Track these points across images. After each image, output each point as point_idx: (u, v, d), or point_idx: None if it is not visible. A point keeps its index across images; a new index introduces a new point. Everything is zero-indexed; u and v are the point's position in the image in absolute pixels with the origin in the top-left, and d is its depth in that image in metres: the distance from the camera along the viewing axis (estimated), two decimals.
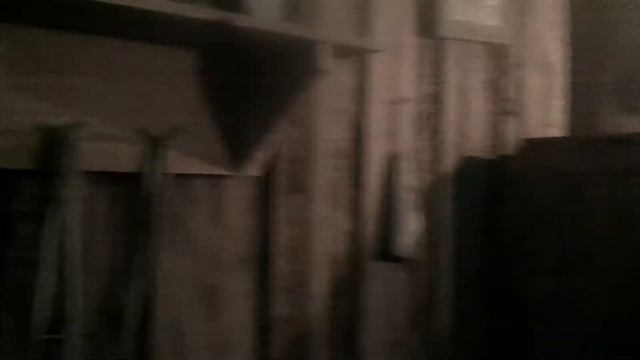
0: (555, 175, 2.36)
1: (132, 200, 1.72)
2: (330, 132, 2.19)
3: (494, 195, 2.56)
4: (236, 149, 1.96)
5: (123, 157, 1.71)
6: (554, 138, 2.60)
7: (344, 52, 1.96)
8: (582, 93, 2.81)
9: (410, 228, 2.33)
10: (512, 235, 2.46)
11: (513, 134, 2.63)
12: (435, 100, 2.44)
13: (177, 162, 1.80)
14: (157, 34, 1.71)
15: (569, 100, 2.85)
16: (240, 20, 1.67)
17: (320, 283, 2.16)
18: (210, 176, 1.90)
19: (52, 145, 1.58)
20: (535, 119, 2.71)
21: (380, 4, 2.31)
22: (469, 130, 2.52)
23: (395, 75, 2.31)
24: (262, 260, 2.04)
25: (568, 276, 2.26)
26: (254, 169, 2.00)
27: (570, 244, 2.29)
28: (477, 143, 2.54)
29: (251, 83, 1.95)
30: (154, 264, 1.72)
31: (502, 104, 2.63)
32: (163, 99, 1.81)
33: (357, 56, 2.19)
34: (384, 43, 2.28)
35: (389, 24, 2.32)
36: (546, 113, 2.76)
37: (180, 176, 1.84)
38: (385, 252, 2.30)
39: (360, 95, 2.25)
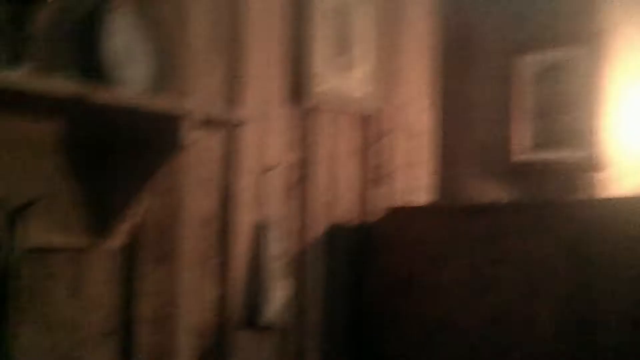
0: (419, 242, 2.47)
1: None
2: (197, 201, 2.22)
3: (362, 261, 2.62)
4: (98, 220, 1.98)
5: None
6: (417, 207, 2.73)
7: (211, 123, 2.06)
8: (449, 159, 2.93)
9: (278, 296, 2.40)
10: (378, 300, 2.55)
11: (381, 200, 2.69)
12: (304, 168, 2.49)
13: (36, 234, 1.81)
14: (16, 107, 1.73)
15: (436, 166, 2.94)
16: (101, 94, 1.72)
17: (185, 354, 2.18)
18: (71, 249, 1.92)
19: None
20: (403, 185, 2.80)
21: (251, 75, 2.36)
22: (338, 197, 2.58)
23: (265, 144, 2.36)
24: (125, 333, 2.06)
25: (429, 339, 2.36)
26: (116, 240, 2.02)
27: (432, 309, 2.40)
28: (346, 210, 2.60)
29: (115, 154, 1.99)
30: (12, 340, 1.72)
31: (371, 171, 2.71)
32: (22, 170, 1.83)
33: (225, 127, 2.27)
34: (253, 113, 2.32)
35: (259, 93, 2.37)
36: (414, 179, 2.85)
37: (39, 249, 1.85)
38: (253, 321, 2.34)
39: (228, 163, 2.29)
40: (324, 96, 2.52)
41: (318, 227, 2.52)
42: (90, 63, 1.83)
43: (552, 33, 2.74)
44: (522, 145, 2.77)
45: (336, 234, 2.56)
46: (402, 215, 2.51)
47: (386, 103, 2.73)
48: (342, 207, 2.58)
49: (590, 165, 2.63)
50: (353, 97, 2.60)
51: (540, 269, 2.16)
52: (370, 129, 2.69)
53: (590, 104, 2.67)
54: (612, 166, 2.60)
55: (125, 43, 1.92)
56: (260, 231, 2.38)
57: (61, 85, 1.63)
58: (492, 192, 2.79)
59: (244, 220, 2.32)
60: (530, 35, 2.79)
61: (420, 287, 2.41)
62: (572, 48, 2.70)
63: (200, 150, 2.15)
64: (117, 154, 1.95)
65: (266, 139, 2.38)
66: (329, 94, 2.53)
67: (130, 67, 1.91)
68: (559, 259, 2.12)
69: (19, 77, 1.55)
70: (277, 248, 2.40)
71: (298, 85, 2.47)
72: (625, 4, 2.63)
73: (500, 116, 2.84)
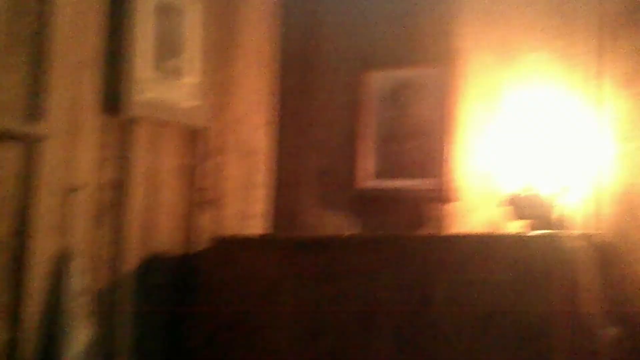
0: (248, 278, 2.42)
1: None
2: None
3: (182, 298, 2.57)
4: None
5: None
6: (248, 237, 2.69)
7: (5, 137, 1.94)
8: (287, 183, 2.94)
9: (81, 340, 2.26)
10: (200, 344, 2.48)
11: (208, 227, 2.68)
12: (119, 189, 2.43)
13: None
14: None
15: (272, 191, 2.96)
16: None
17: None
18: None
19: None
20: (235, 210, 2.80)
21: (58, 78, 2.27)
22: (158, 223, 2.54)
23: (73, 161, 2.30)
24: None
25: None
26: None
27: (260, 353, 2.35)
28: (167, 238, 2.56)
29: None
30: None
31: (198, 193, 2.69)
32: None
33: (23, 141, 2.16)
34: (58, 125, 2.26)
35: (67, 101, 2.30)
36: (247, 204, 2.86)
37: None
38: None
39: (26, 183, 2.20)
40: (146, 106, 2.48)
41: (132, 258, 2.46)
42: None
43: (404, 51, 2.79)
44: (367, 171, 2.79)
45: (153, 266, 2.51)
46: (231, 246, 2.48)
47: (217, 117, 2.74)
48: (161, 235, 2.54)
49: (439, 196, 2.66)
50: (179, 108, 2.60)
51: (380, 309, 2.18)
52: (198, 146, 2.68)
53: (441, 130, 2.70)
54: (462, 198, 2.65)
55: None
56: (61, 262, 2.23)
57: None
58: (334, 222, 2.82)
59: (42, 250, 2.20)
60: (381, 51, 2.82)
61: (249, 329, 2.35)
62: (424, 68, 2.74)
63: None
64: None
65: (74, 154, 2.32)
66: (151, 104, 2.49)
67: None
68: (399, 298, 2.16)
69: None
70: (81, 282, 2.25)
71: (115, 92, 2.42)
72: (481, 25, 2.69)
73: (344, 138, 2.86)
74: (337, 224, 2.81)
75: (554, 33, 2.54)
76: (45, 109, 2.23)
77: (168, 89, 2.56)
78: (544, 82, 2.56)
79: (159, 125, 2.56)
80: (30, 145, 2.18)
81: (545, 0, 2.58)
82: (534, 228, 2.36)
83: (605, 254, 2.29)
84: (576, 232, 2.30)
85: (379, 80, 2.81)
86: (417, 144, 2.72)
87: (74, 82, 2.33)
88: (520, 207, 2.42)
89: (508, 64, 2.63)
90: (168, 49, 2.56)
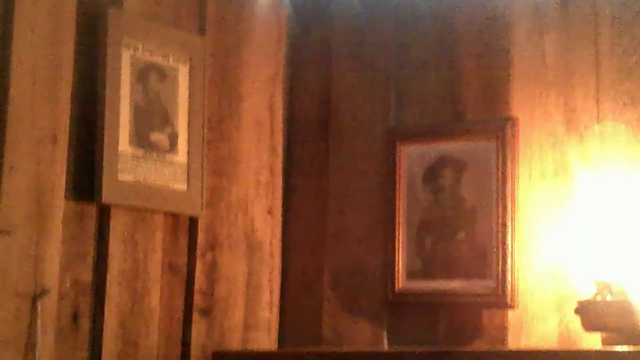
0: None
1: None
2: None
3: None
4: None
5: None
6: (253, 353, 2.69)
7: None
8: (300, 284, 2.93)
9: None
10: None
11: (204, 340, 2.67)
12: (93, 292, 2.42)
13: None
14: None
15: (281, 294, 2.94)
16: None
17: None
18: None
19: None
20: (236, 318, 2.78)
21: (15, 162, 2.24)
22: (141, 335, 2.52)
23: (36, 258, 2.28)
24: None
25: None
26: None
27: None
28: (152, 353, 2.53)
29: None
30: None
31: (190, 298, 2.67)
32: None
33: None
34: (17, 217, 2.23)
35: (28, 188, 2.27)
36: (251, 310, 2.84)
37: None
38: None
39: None
40: (125, 190, 2.48)
41: None
42: None
43: (446, 119, 2.80)
44: (404, 269, 2.77)
45: None
46: None
47: (212, 203, 2.76)
48: (146, 349, 2.51)
49: (495, 301, 2.63)
50: (166, 193, 2.60)
51: None
52: (190, 239, 2.68)
53: (495, 217, 2.68)
54: (524, 303, 2.62)
55: None
56: None
57: None
58: (363, 333, 2.82)
59: None
60: (418, 118, 2.84)
61: None
62: (471, 141, 2.74)
63: None
64: None
65: (38, 251, 2.28)
66: (131, 188, 2.50)
67: None
68: None
69: None
70: None
71: (87, 174, 2.42)
72: (540, 90, 2.69)
73: (374, 228, 2.84)
74: (368, 335, 2.81)
75: (625, 100, 2.56)
76: (2, 197, 2.19)
77: (153, 169, 2.57)
78: (621, 157, 2.55)
79: (141, 213, 2.56)
80: None
81: (615, 62, 2.60)
82: (619, 342, 2.31)
83: None
84: None
85: (415, 154, 2.81)
86: (466, 235, 2.71)
87: (37, 163, 2.30)
88: (600, 315, 2.36)
89: (575, 136, 2.62)
90: (153, 120, 2.59)
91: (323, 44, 3.01)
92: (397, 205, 2.81)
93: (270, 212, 2.96)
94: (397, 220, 2.80)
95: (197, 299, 2.69)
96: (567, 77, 2.65)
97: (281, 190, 2.99)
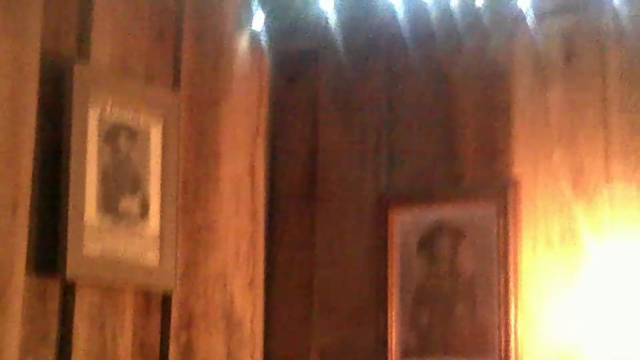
0: None
1: None
2: None
3: None
4: None
5: None
6: None
7: None
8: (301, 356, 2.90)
9: None
10: None
11: None
12: None
13: None
14: None
15: None
16: None
17: None
18: None
19: None
20: None
21: None
22: None
23: None
24: None
25: None
26: None
27: None
28: None
29: None
30: None
31: None
32: None
33: None
34: None
35: None
36: None
37: None
38: None
39: None
40: (90, 263, 2.47)
41: None
42: None
43: (442, 181, 2.80)
44: (399, 347, 2.76)
45: None
46: None
47: (187, 276, 2.74)
48: None
49: None
50: (137, 266, 2.59)
51: None
52: (168, 316, 2.66)
53: (496, 289, 2.66)
54: None
55: None
56: None
57: None
58: None
59: None
60: (410, 181, 2.86)
61: None
62: (469, 205, 2.74)
63: None
64: None
65: None
66: (98, 260, 2.49)
67: None
68: None
69: None
70: None
71: (48, 246, 2.40)
72: (545, 147, 2.67)
73: (364, 302, 2.84)
74: None
75: (636, 160, 2.56)
76: None
77: (122, 240, 2.56)
78: (634, 222, 2.53)
79: (109, 290, 2.54)
80: None
81: (625, 118, 2.59)
82: None
83: None
84: None
85: (408, 221, 2.81)
86: (466, 310, 2.69)
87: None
88: None
89: (583, 199, 2.60)
90: (123, 184, 2.58)
91: (308, 100, 3.03)
92: (390, 277, 2.80)
93: (250, 285, 2.94)
94: (389, 293, 2.79)
95: None
96: (573, 135, 2.64)
97: (263, 262, 2.99)
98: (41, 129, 2.41)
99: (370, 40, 2.92)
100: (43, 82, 2.41)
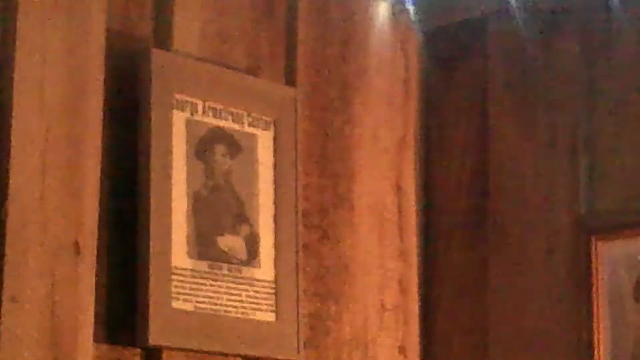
0: None
1: None
2: None
3: None
4: None
5: None
6: None
7: None
8: None
9: None
10: None
11: None
12: None
13: None
14: None
15: None
16: None
17: None
18: None
19: None
20: None
21: (15, 282, 2.26)
22: None
23: None
24: None
25: None
26: None
27: None
28: None
29: None
30: None
31: None
32: None
33: None
34: None
35: (37, 325, 2.28)
36: None
37: None
38: None
39: None
40: (187, 323, 2.50)
41: None
42: None
43: None
44: None
45: None
46: None
47: (323, 336, 2.79)
48: None
49: None
50: (252, 324, 2.61)
51: None
52: None
53: None
54: None
55: None
56: None
57: None
58: None
59: None
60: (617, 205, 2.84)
61: None
62: None
63: None
64: None
65: None
66: (197, 319, 2.51)
67: None
68: None
69: None
70: None
71: (128, 298, 2.44)
72: None
73: None
74: None
75: None
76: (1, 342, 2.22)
77: (223, 291, 2.58)
78: None
79: (207, 356, 2.56)
80: None
81: None
82: None
83: None
84: None
85: (619, 255, 2.81)
86: None
87: (50, 287, 2.31)
88: None
89: None
90: (222, 216, 2.60)
91: (474, 92, 3.04)
92: (596, 333, 2.80)
93: (402, 351, 2.96)
94: (596, 355, 2.79)
95: None
96: None
97: (417, 319, 3.00)
98: (109, 143, 2.44)
99: (559, 1, 2.90)
100: (110, 78, 2.43)
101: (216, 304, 2.55)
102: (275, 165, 2.69)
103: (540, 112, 2.94)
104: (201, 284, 2.53)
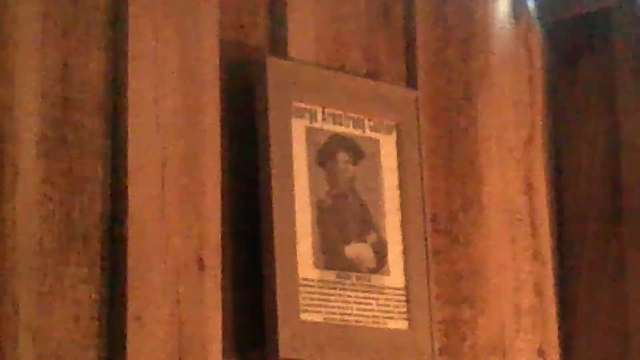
0: None
1: None
2: None
3: None
4: None
5: None
6: None
7: None
8: None
9: None
10: None
11: None
12: None
13: None
14: None
15: None
16: None
17: None
18: None
19: None
20: None
21: (137, 301, 2.27)
22: None
23: None
24: None
25: None
26: None
27: None
28: None
29: None
30: None
31: None
32: None
33: None
34: None
35: (163, 344, 2.29)
36: None
37: None
38: None
39: None
40: (317, 334, 2.47)
41: None
42: None
43: None
44: None
45: None
46: None
47: (459, 343, 2.76)
48: None
49: None
50: (384, 332, 2.57)
51: None
52: None
53: None
54: None
55: None
56: None
57: None
58: None
59: None
60: None
61: None
62: None
63: None
64: None
65: None
66: (327, 329, 2.49)
67: None
68: None
69: None
70: None
71: (254, 311, 2.42)
72: None
73: None
74: None
75: None
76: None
77: (352, 301, 2.55)
78: None
79: None
80: None
81: None
82: None
83: None
84: None
85: None
86: None
87: (175, 304, 2.31)
88: None
89: None
90: (348, 224, 2.58)
91: (602, 84, 3.00)
92: None
93: (541, 354, 2.93)
94: None
95: None
96: None
97: (555, 320, 2.96)
98: (226, 154, 2.43)
99: None
100: (226, 90, 2.43)
101: (346, 314, 2.53)
102: (399, 170, 2.66)
103: None
104: (329, 294, 2.51)
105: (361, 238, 2.58)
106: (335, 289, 2.52)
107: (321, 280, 2.49)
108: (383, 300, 2.58)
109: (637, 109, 2.93)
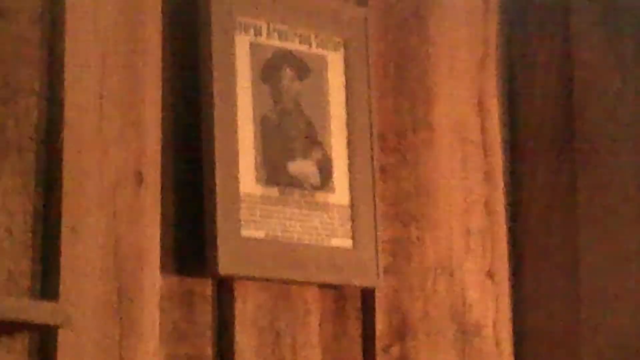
0: None
1: None
2: None
3: None
4: None
5: None
6: None
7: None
8: None
9: None
10: None
11: None
12: None
13: None
14: None
15: None
16: None
17: None
18: None
19: None
20: None
21: (75, 212, 2.27)
22: None
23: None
24: None
25: None
26: None
27: None
28: None
29: None
30: None
31: None
32: None
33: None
34: (84, 303, 2.25)
35: (99, 257, 2.29)
36: None
37: None
38: None
39: None
40: (259, 251, 2.48)
41: None
42: None
43: None
44: None
45: None
46: None
47: (405, 262, 2.73)
48: None
49: None
50: (328, 250, 2.57)
51: None
52: (372, 322, 2.67)
53: None
54: None
55: None
56: None
57: None
58: None
59: None
60: None
61: None
62: None
63: None
64: None
65: (120, 353, 2.28)
66: (269, 246, 2.49)
67: None
68: None
69: None
70: None
71: (195, 227, 2.43)
72: None
73: None
74: None
75: None
76: (63, 277, 2.22)
77: (296, 217, 2.54)
78: None
79: (283, 288, 2.54)
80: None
81: None
82: None
83: None
84: None
85: None
86: None
87: (112, 218, 2.31)
88: None
89: None
90: (292, 140, 2.57)
91: (555, 3, 2.96)
92: None
93: (489, 276, 2.91)
94: None
95: None
96: None
97: (506, 242, 2.95)
98: (168, 69, 2.41)
99: None
100: (167, 2, 2.41)
101: (289, 231, 2.53)
102: (346, 87, 2.64)
103: (626, 22, 2.90)
104: (272, 210, 2.50)
105: (305, 155, 2.57)
106: (277, 205, 2.51)
107: (263, 196, 2.48)
108: (327, 218, 2.58)
109: (591, 31, 2.92)
